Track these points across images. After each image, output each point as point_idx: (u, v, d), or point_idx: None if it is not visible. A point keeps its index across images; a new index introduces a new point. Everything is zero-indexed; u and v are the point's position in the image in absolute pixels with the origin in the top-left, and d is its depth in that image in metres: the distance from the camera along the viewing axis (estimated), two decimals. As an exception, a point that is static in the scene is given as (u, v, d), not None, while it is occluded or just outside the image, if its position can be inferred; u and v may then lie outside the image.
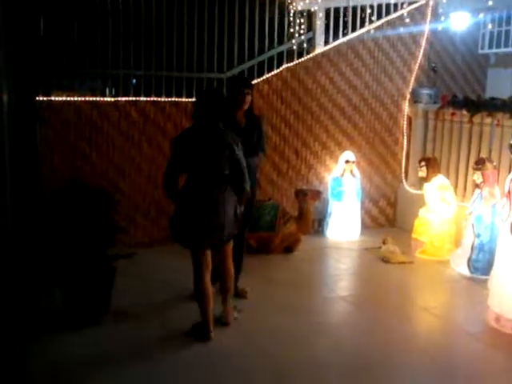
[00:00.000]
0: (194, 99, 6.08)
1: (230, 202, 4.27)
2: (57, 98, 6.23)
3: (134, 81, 6.92)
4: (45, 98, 6.12)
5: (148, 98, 6.64)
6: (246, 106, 4.95)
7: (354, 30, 7.54)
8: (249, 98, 4.95)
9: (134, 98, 6.57)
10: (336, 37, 7.48)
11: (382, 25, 7.59)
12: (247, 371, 3.94)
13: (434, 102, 7.56)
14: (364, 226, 7.62)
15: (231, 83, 5.38)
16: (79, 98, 6.34)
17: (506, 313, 4.59)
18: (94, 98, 6.45)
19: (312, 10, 7.47)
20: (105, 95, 6.77)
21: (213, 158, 4.19)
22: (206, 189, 4.21)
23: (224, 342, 4.29)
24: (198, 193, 4.22)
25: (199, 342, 4.26)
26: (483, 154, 6.48)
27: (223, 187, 4.23)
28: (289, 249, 6.66)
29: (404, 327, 4.79)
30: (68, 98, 6.28)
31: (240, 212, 4.37)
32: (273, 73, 7.15)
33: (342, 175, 7.34)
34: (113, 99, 6.51)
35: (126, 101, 6.51)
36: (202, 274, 4.31)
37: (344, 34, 7.52)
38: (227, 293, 4.62)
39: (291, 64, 7.22)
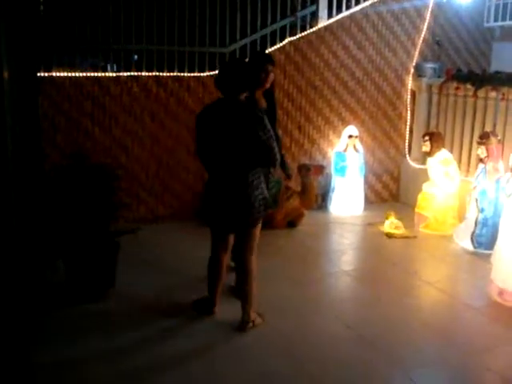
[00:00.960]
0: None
1: (256, 186, 3.96)
2: (58, 74, 6.18)
3: (136, 57, 6.86)
4: (46, 74, 6.09)
5: (150, 73, 6.59)
6: (268, 85, 4.70)
7: (357, 3, 7.45)
8: (272, 76, 4.71)
9: (135, 73, 6.52)
10: (339, 10, 7.39)
11: (386, -2, 7.51)
12: (251, 344, 3.98)
13: (438, 76, 7.49)
14: (367, 201, 7.62)
15: (253, 59, 4.90)
16: (81, 74, 6.29)
17: (509, 287, 4.61)
18: (96, 74, 6.40)
19: (315, -18, 7.38)
20: (106, 71, 6.72)
21: (233, 139, 3.84)
22: (227, 174, 3.95)
23: (227, 315, 4.31)
24: (218, 178, 4.01)
25: (202, 315, 4.31)
26: (487, 129, 6.44)
27: (247, 170, 3.90)
28: (292, 224, 6.67)
29: (407, 301, 4.80)
30: (69, 74, 6.22)
31: (265, 195, 4.05)
32: (276, 47, 7.08)
33: (345, 150, 7.32)
34: (114, 74, 6.46)
35: (127, 76, 6.46)
36: (217, 254, 4.24)
37: (347, 8, 7.43)
38: (245, 300, 4.17)
39: (294, 38, 7.15)
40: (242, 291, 4.20)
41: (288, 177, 5.45)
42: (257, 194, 3.95)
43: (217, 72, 4.25)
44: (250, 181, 3.92)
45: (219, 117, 3.92)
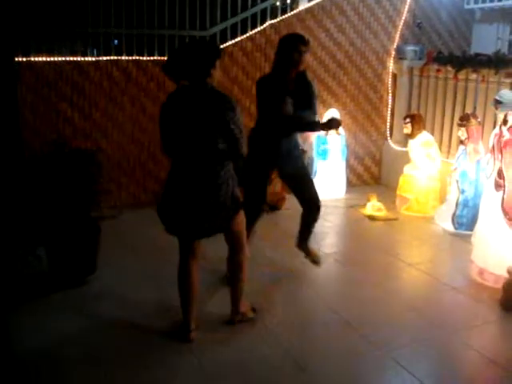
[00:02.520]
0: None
1: (226, 181, 3.57)
2: (36, 59, 6.09)
3: (116, 41, 6.79)
4: (24, 59, 6.00)
5: (130, 57, 6.53)
6: (301, 67, 4.45)
7: (338, -15, 7.43)
8: (305, 58, 4.48)
9: (115, 58, 6.46)
10: (320, -8, 7.37)
11: (367, -21, 7.49)
12: (234, 330, 3.98)
13: (419, 59, 7.51)
14: (349, 184, 7.65)
15: (285, 39, 4.52)
16: (59, 58, 6.21)
17: (489, 267, 4.66)
18: (75, 58, 6.32)
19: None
20: (86, 56, 6.63)
21: (200, 128, 3.46)
22: (195, 168, 3.52)
23: (213, 303, 4.32)
24: (184, 173, 3.57)
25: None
26: (468, 110, 6.47)
27: (217, 165, 3.53)
28: (274, 207, 6.67)
29: (389, 283, 4.84)
30: (48, 59, 6.14)
31: (237, 192, 3.69)
32: (256, 30, 7.05)
33: (327, 133, 7.31)
34: (94, 59, 6.39)
35: (107, 60, 6.40)
36: (186, 263, 3.73)
37: (328, -10, 7.41)
38: (236, 288, 3.96)
39: (275, 21, 7.11)
40: (233, 281, 3.97)
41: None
42: (227, 190, 3.58)
43: (169, 58, 3.73)
44: (219, 175, 3.54)
45: (190, 104, 3.50)
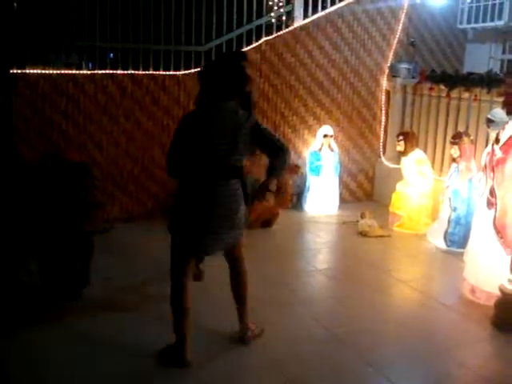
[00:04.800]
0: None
1: (240, 196, 3.65)
2: (32, 71, 6.11)
3: (112, 55, 6.82)
4: (19, 71, 6.01)
5: (125, 72, 6.55)
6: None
7: (333, 3, 7.50)
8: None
9: (110, 71, 6.48)
10: (315, 10, 7.43)
11: (361, -2, 7.57)
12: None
13: (413, 77, 7.57)
14: (342, 200, 7.66)
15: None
16: (55, 71, 6.22)
17: (481, 284, 4.66)
18: (70, 71, 6.34)
19: (291, -18, 7.41)
20: (81, 69, 6.66)
21: (222, 146, 3.50)
22: (213, 183, 3.54)
23: (201, 317, 4.30)
24: (203, 188, 3.55)
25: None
26: (460, 129, 6.52)
27: (232, 181, 3.59)
28: (267, 223, 6.67)
29: (381, 299, 4.84)
30: (43, 71, 6.16)
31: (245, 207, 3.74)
32: (251, 46, 7.10)
33: (320, 149, 7.35)
34: (89, 72, 6.41)
35: (102, 74, 6.42)
36: (184, 283, 3.65)
37: (323, 8, 7.48)
38: (244, 304, 3.92)
39: (270, 37, 7.16)
40: (241, 298, 3.91)
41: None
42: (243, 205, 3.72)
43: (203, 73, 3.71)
44: (238, 190, 3.64)
45: (206, 123, 3.52)
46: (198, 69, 3.74)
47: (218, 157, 3.52)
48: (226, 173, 3.57)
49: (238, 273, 3.90)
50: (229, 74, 3.56)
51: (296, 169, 7.25)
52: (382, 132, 7.97)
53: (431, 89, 7.08)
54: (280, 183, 6.74)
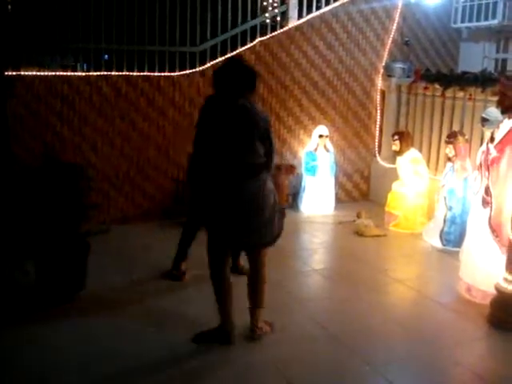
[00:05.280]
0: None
1: (268, 192, 3.76)
2: (27, 73, 6.10)
3: (106, 56, 6.82)
4: (14, 73, 6.00)
5: (120, 73, 6.54)
6: None
7: (327, 3, 7.51)
8: None
9: (105, 73, 6.47)
10: (309, 10, 7.44)
11: (356, -2, 7.58)
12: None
13: (407, 76, 7.58)
14: (338, 200, 7.67)
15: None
16: (50, 73, 6.22)
17: (477, 283, 4.67)
18: (65, 73, 6.33)
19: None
20: (76, 71, 6.65)
21: (243, 141, 3.62)
22: (237, 180, 3.65)
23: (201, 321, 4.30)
24: (226, 186, 3.66)
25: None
26: (455, 128, 6.54)
27: (258, 177, 3.68)
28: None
29: (377, 299, 4.84)
30: (38, 73, 6.15)
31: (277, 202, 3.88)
32: (246, 47, 7.10)
33: (316, 150, 7.35)
34: (84, 74, 6.40)
35: (97, 75, 6.41)
36: (224, 271, 3.85)
37: (317, 8, 7.49)
38: (257, 308, 4.00)
39: (264, 38, 7.17)
40: (257, 295, 3.98)
41: None
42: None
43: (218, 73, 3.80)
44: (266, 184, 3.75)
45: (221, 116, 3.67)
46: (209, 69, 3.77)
47: (236, 154, 3.62)
48: (246, 170, 3.65)
49: (256, 278, 3.98)
50: (242, 70, 3.77)
51: (292, 169, 7.26)
52: (378, 132, 7.98)
53: (426, 88, 7.10)
54: (276, 184, 6.73)
